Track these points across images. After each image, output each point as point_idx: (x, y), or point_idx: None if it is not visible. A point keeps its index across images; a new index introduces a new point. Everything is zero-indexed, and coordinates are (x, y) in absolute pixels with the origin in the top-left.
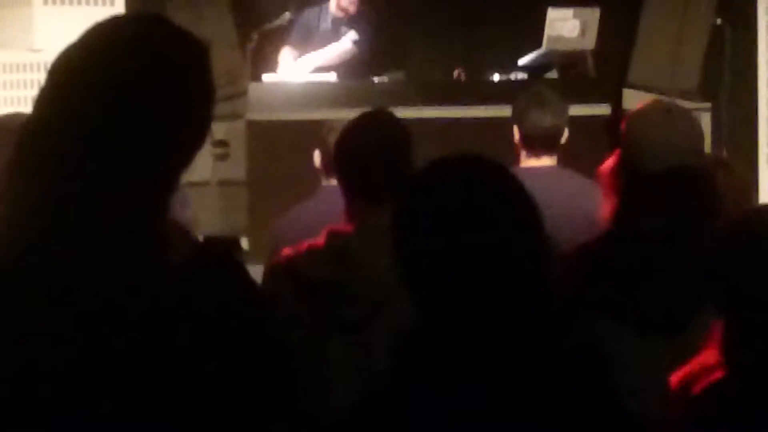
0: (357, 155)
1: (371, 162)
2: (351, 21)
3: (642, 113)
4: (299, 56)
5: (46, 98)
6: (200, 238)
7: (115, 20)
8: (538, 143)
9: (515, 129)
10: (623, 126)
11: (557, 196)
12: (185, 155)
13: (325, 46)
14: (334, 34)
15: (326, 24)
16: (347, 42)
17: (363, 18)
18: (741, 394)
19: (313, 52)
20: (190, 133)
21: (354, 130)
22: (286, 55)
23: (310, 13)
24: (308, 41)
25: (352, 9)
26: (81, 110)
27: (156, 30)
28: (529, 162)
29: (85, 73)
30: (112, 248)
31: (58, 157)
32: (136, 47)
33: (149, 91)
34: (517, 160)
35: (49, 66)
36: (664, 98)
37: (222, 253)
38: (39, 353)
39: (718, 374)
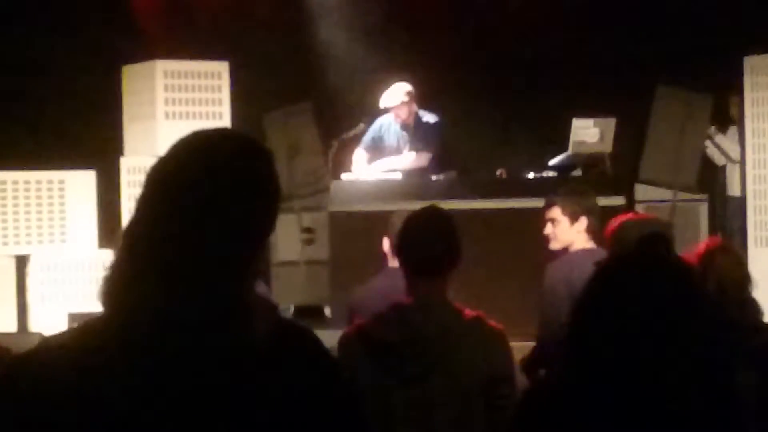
0: (414, 243)
1: (425, 248)
2: (417, 130)
3: (626, 225)
4: (370, 159)
5: (144, 200)
6: (292, 309)
7: (197, 136)
8: (597, 227)
9: (582, 219)
10: (608, 233)
11: None
12: (258, 240)
13: (394, 150)
14: (404, 140)
15: (396, 130)
16: (413, 154)
17: (427, 128)
18: None
19: (385, 158)
20: (261, 223)
21: (411, 223)
22: (358, 156)
23: (380, 122)
24: (379, 146)
25: (410, 120)
26: (171, 209)
27: (230, 142)
28: (590, 244)
29: (174, 181)
30: (205, 320)
31: (156, 245)
32: (215, 159)
33: (227, 193)
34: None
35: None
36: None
37: (300, 330)
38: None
39: None
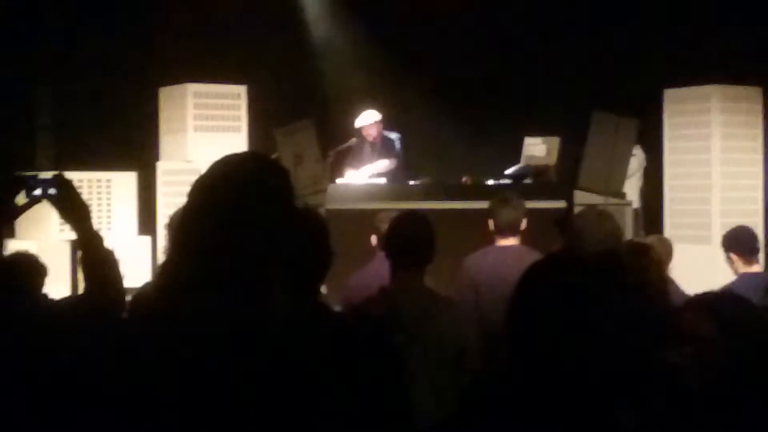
0: (398, 241)
1: (407, 246)
2: (382, 146)
3: (582, 214)
4: (355, 169)
5: (189, 209)
6: None
7: (232, 158)
8: (504, 230)
9: (490, 221)
10: (569, 221)
11: (518, 265)
12: (279, 234)
13: (367, 161)
14: (374, 154)
15: (368, 148)
16: (384, 162)
17: (389, 144)
18: None
19: (366, 166)
20: (281, 221)
21: (396, 225)
22: (348, 171)
23: (358, 142)
24: (359, 159)
25: (377, 139)
26: (211, 217)
27: (260, 165)
28: (500, 242)
29: (213, 194)
30: (242, 299)
31: (200, 246)
32: (247, 177)
33: (255, 200)
34: (493, 240)
35: (195, 177)
36: (599, 203)
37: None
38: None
39: None
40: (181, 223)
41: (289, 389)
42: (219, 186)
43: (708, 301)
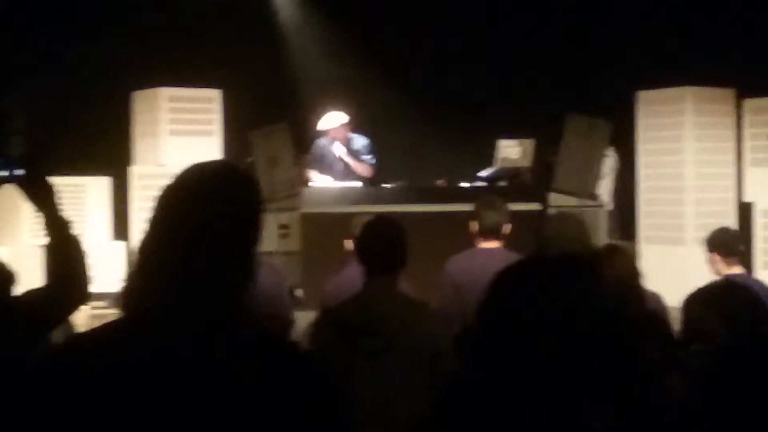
0: (370, 248)
1: (379, 251)
2: (351, 150)
3: (549, 218)
4: (319, 172)
5: (156, 221)
6: None
7: (202, 166)
8: (488, 233)
9: (474, 223)
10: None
11: (500, 266)
12: (247, 249)
13: (334, 164)
14: (338, 158)
15: (332, 150)
16: (360, 167)
17: (362, 147)
18: None
19: (332, 169)
20: (249, 236)
21: (367, 231)
22: (312, 173)
23: (319, 144)
24: (324, 163)
25: (344, 142)
26: (178, 229)
27: (226, 173)
28: (483, 244)
29: (180, 205)
30: (206, 322)
31: (165, 259)
32: (212, 187)
33: (222, 214)
34: (474, 242)
35: (166, 183)
36: (573, 205)
37: (280, 336)
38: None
39: None
40: (150, 231)
41: (269, 393)
42: (191, 193)
43: (710, 294)
